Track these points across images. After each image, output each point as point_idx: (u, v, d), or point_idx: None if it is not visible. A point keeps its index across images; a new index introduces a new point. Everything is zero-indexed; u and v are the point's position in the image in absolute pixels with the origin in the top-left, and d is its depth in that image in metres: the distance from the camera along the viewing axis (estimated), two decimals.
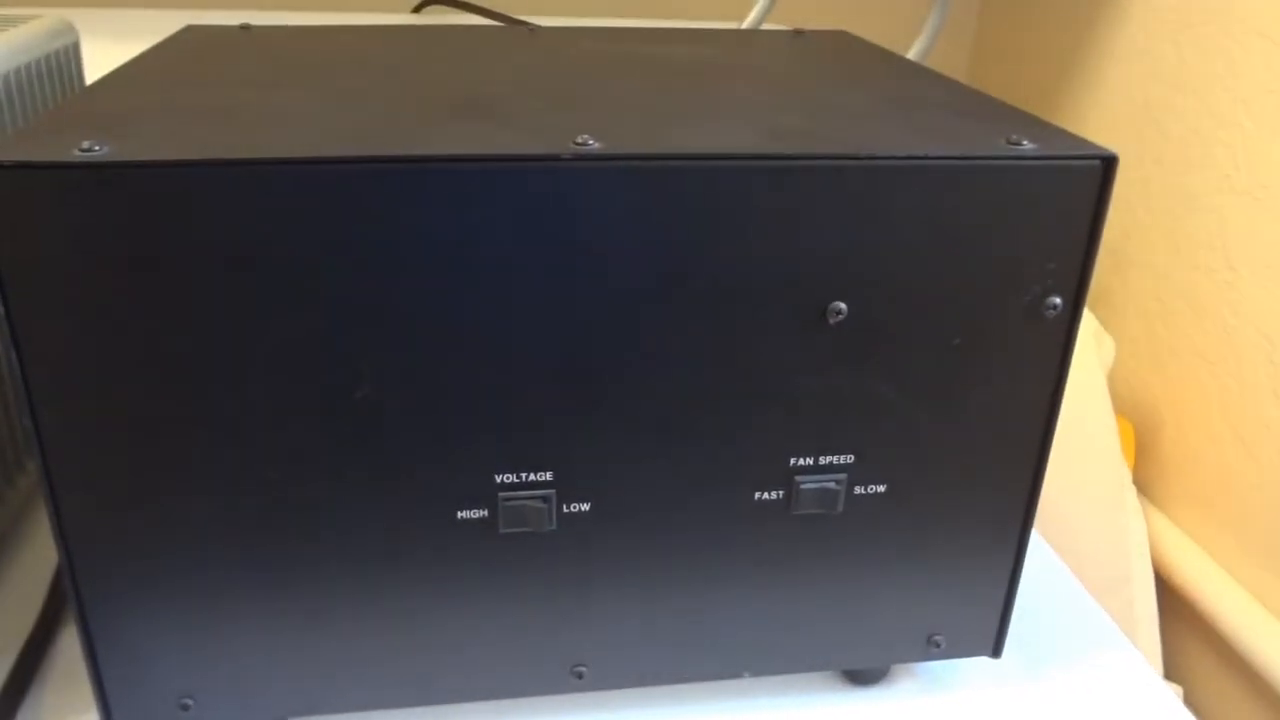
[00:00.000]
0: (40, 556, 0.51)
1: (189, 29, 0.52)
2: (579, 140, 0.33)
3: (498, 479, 0.37)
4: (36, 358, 0.32)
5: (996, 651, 0.44)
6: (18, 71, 0.50)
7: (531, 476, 0.37)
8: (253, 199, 0.31)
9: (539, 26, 0.59)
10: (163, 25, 0.60)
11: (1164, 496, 0.81)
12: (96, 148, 0.31)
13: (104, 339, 0.32)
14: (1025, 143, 0.36)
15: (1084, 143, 0.37)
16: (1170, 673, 0.79)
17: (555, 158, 0.32)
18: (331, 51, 0.47)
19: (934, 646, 0.44)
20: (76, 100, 0.37)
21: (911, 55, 0.85)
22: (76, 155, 0.30)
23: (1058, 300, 0.38)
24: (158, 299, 0.32)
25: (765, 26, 0.90)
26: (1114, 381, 0.83)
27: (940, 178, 0.35)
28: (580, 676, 0.41)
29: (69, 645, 0.46)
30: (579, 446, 0.37)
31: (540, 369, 0.35)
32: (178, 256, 0.32)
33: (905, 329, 0.37)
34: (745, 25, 0.92)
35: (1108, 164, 0.36)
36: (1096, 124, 0.89)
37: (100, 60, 0.62)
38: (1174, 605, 0.78)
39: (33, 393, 0.33)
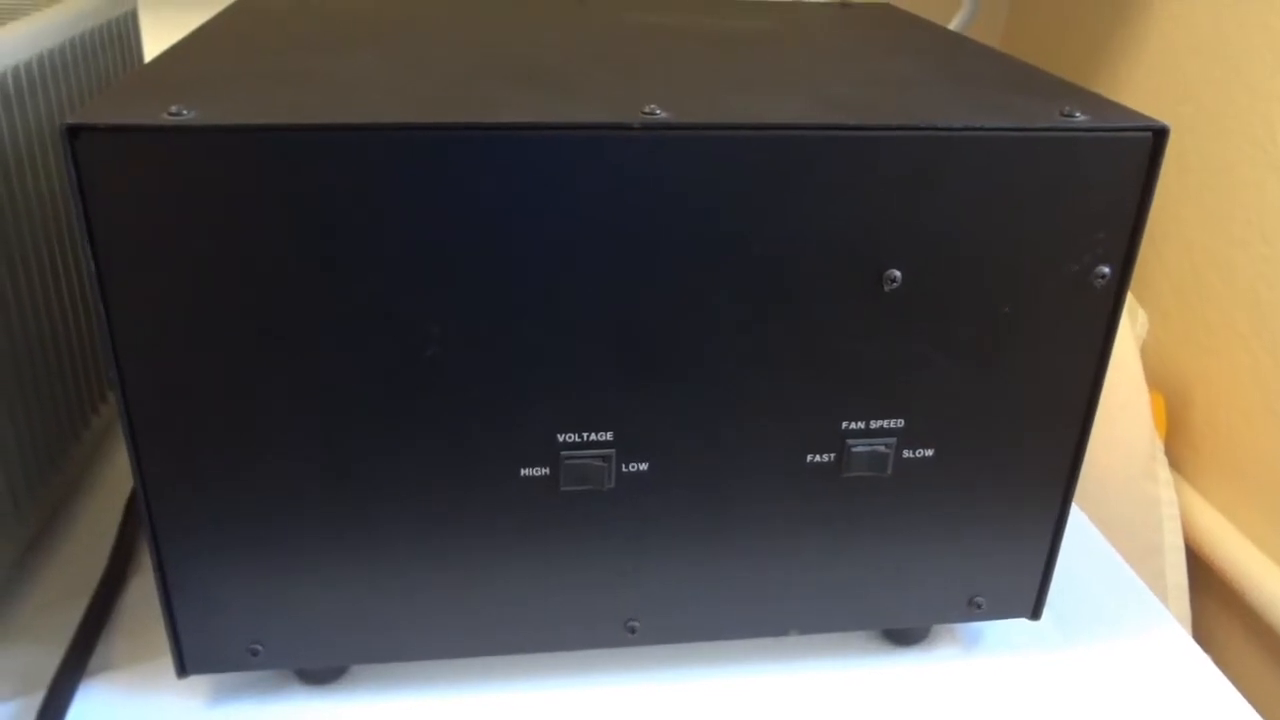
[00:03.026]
0: (110, 501, 0.53)
1: None
2: (647, 110, 0.34)
3: (560, 438, 0.38)
4: (123, 313, 0.34)
5: (1036, 614, 0.46)
6: (81, 38, 0.51)
7: (592, 436, 0.38)
8: (336, 162, 0.32)
9: None
10: None
11: (1195, 470, 0.82)
12: (184, 112, 0.32)
13: (188, 296, 0.34)
14: (1078, 114, 0.37)
15: (1135, 114, 0.38)
16: (1199, 644, 0.80)
17: (627, 127, 0.33)
18: (386, 19, 0.48)
19: (975, 608, 0.45)
20: (151, 67, 0.38)
21: (952, 28, 0.85)
22: (167, 119, 0.31)
23: (1106, 270, 0.38)
24: (240, 258, 0.33)
25: None
26: (1146, 354, 0.83)
27: (997, 148, 0.36)
28: (633, 631, 0.42)
29: (140, 589, 0.48)
30: (639, 408, 0.38)
31: (602, 332, 0.36)
32: (261, 217, 0.33)
33: (957, 296, 0.38)
34: None
35: (1159, 135, 0.37)
36: (1131, 97, 0.89)
37: (156, 29, 0.63)
38: (1203, 577, 0.79)
39: (118, 347, 0.34)
